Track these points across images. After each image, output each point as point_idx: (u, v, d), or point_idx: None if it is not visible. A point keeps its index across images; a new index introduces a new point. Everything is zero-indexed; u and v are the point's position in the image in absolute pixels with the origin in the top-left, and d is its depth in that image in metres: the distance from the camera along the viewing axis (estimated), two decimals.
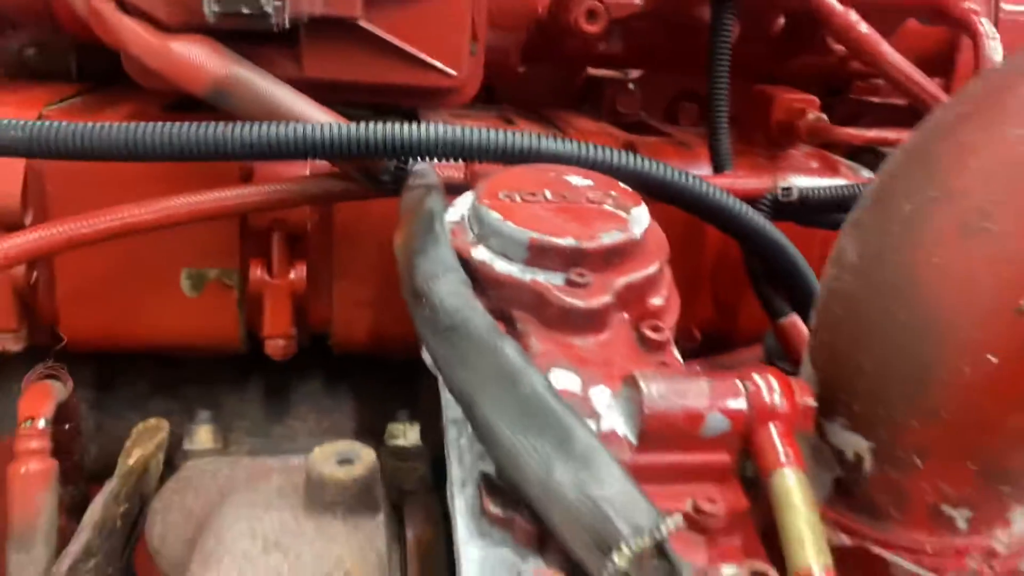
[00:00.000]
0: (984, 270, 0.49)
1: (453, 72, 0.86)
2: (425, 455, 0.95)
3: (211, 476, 0.77)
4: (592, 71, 1.25)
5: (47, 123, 0.73)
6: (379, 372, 1.10)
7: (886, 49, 0.91)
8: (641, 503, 0.47)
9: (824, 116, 0.97)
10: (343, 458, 0.70)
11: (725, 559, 0.51)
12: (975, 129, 0.52)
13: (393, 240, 0.71)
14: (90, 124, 0.74)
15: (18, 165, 0.85)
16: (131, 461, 0.79)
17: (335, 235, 0.92)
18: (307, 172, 0.88)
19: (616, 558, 0.45)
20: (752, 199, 0.85)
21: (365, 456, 0.70)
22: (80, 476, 0.94)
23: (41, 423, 0.76)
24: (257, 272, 0.92)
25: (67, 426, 0.85)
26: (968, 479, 0.53)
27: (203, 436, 0.96)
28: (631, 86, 1.19)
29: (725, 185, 0.82)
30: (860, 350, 0.54)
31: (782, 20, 1.05)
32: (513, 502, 0.52)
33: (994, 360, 0.49)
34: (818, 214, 0.90)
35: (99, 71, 1.13)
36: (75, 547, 0.71)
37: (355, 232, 0.92)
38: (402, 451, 0.98)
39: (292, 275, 0.92)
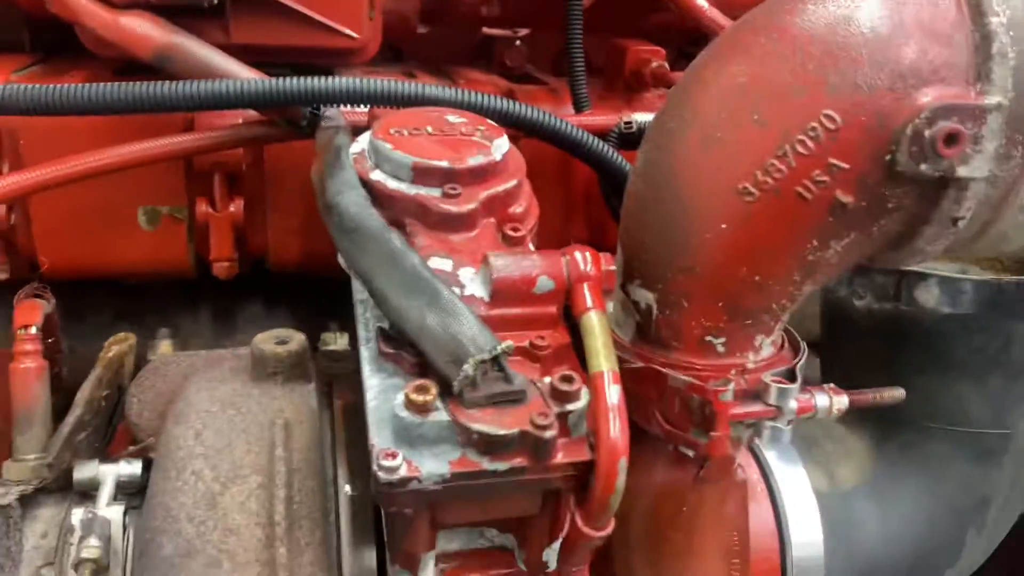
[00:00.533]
0: (716, 166, 0.71)
1: (355, 34, 1.05)
2: (351, 357, 1.15)
3: (176, 365, 0.96)
4: (486, 30, 1.45)
5: (20, 85, 0.90)
6: (311, 293, 1.29)
7: (704, 6, 1.12)
8: (486, 334, 0.68)
9: (666, 64, 1.19)
10: (280, 340, 0.90)
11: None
12: (712, 68, 0.73)
13: (311, 173, 0.90)
14: (57, 85, 0.91)
15: None
16: (111, 354, 0.98)
17: (266, 174, 1.11)
18: (240, 121, 1.06)
19: (467, 368, 0.67)
20: (602, 133, 1.07)
21: (297, 338, 0.90)
22: (61, 386, 1.12)
23: (34, 329, 0.94)
24: (203, 207, 1.10)
25: (50, 340, 1.03)
26: (720, 315, 0.75)
27: (164, 350, 1.15)
28: (518, 43, 1.39)
29: (579, 122, 1.03)
30: (643, 230, 0.76)
31: None
32: (400, 344, 0.72)
33: (724, 227, 0.71)
34: None
35: (49, 43, 1.28)
36: (71, 419, 0.90)
37: (282, 170, 1.11)
38: (334, 354, 1.18)
39: (232, 208, 1.11)
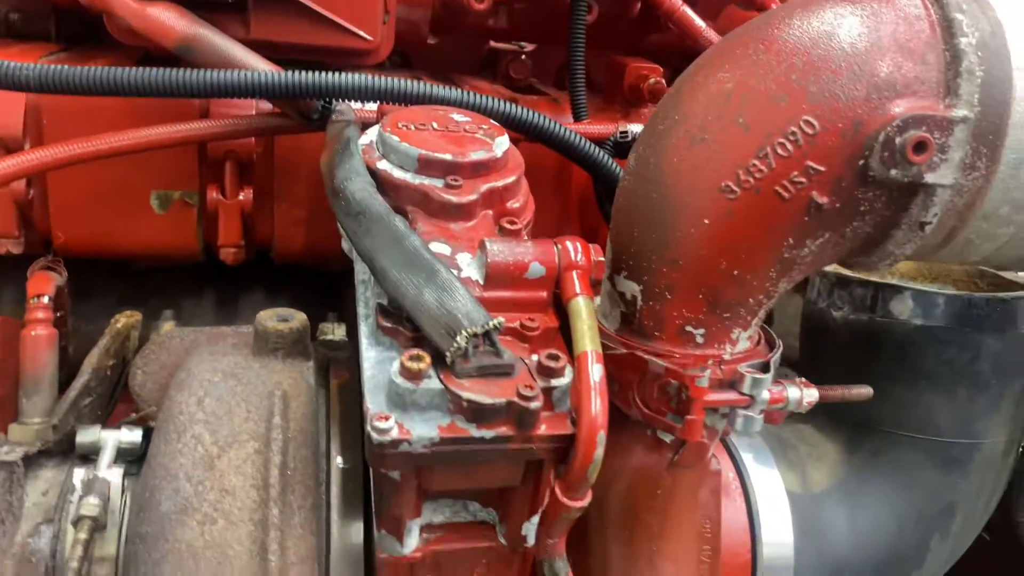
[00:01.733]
0: (701, 165, 0.76)
1: (369, 36, 1.11)
2: (348, 346, 1.20)
3: (179, 339, 1.00)
4: (493, 44, 1.51)
5: (53, 66, 0.95)
6: (312, 284, 1.34)
7: (702, 27, 1.18)
8: (479, 310, 0.73)
9: (663, 80, 1.24)
10: (282, 317, 0.94)
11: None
12: (701, 74, 0.79)
13: (320, 162, 0.95)
14: (87, 67, 0.96)
15: (19, 100, 1.06)
16: (119, 325, 1.02)
17: (276, 165, 1.16)
18: (253, 112, 1.11)
19: (459, 340, 0.71)
20: (599, 141, 1.12)
21: (299, 317, 0.94)
22: (67, 360, 1.16)
23: (46, 299, 0.98)
24: (213, 194, 1.15)
25: (59, 313, 1.07)
26: (701, 307, 0.80)
27: (167, 329, 1.19)
28: (523, 56, 1.45)
29: (577, 129, 1.09)
30: (631, 223, 0.81)
31: (639, 4, 1.32)
32: (397, 319, 0.77)
33: (707, 222, 0.76)
34: None
35: (73, 34, 1.34)
36: (78, 384, 0.94)
37: (292, 162, 1.16)
38: (331, 343, 1.22)
39: (241, 196, 1.15)
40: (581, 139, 1.04)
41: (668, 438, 0.83)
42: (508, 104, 1.01)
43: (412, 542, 0.80)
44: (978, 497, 1.09)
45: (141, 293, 1.30)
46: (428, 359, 0.71)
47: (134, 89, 0.94)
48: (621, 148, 1.12)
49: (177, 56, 1.03)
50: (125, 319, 1.05)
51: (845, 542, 1.06)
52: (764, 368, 0.81)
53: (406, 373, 0.70)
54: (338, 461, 0.87)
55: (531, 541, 0.81)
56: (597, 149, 1.05)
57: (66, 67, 0.95)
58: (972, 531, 1.12)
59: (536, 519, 0.79)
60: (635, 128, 1.15)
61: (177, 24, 1.01)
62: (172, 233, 1.16)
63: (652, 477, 0.85)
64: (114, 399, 1.03)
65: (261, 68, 1.01)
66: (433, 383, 0.71)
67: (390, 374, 0.71)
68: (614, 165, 1.07)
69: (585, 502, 0.73)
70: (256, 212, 1.17)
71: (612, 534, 0.86)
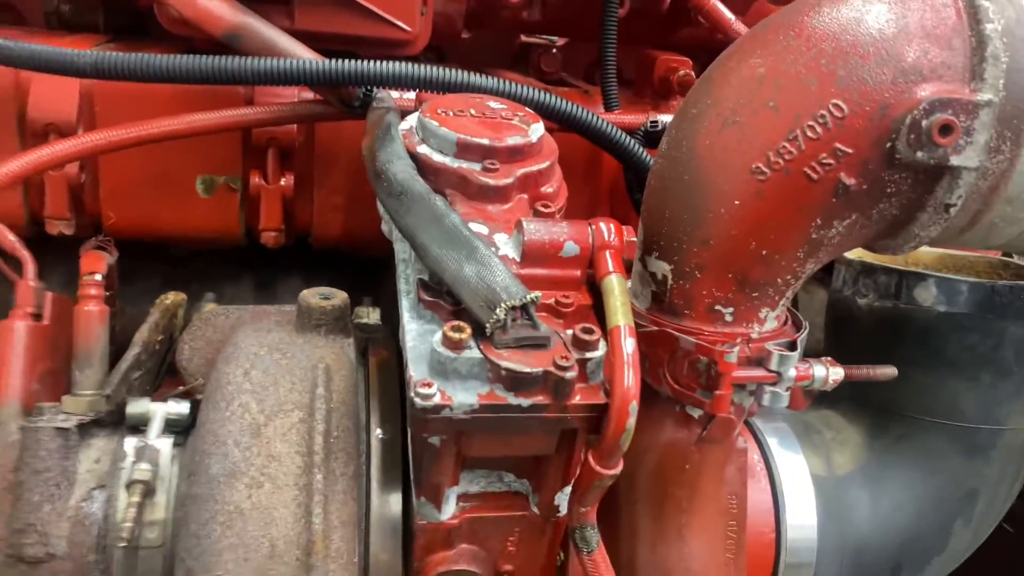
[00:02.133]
0: (732, 147, 0.79)
1: (407, 27, 1.15)
2: (382, 330, 1.23)
3: (224, 316, 1.04)
4: (525, 38, 1.54)
5: (108, 53, 0.99)
6: (347, 270, 1.38)
7: (731, 19, 1.21)
8: (517, 285, 0.76)
9: (692, 73, 1.27)
10: (324, 295, 0.98)
11: None
12: (733, 60, 0.81)
13: (362, 147, 0.99)
14: (140, 54, 1.00)
15: (74, 87, 1.11)
16: (167, 302, 1.07)
17: (316, 152, 1.20)
18: (296, 99, 1.15)
19: (499, 312, 0.74)
20: (630, 131, 1.15)
21: (340, 295, 0.98)
22: (113, 340, 1.20)
23: (98, 276, 1.02)
24: (256, 179, 1.19)
25: (109, 293, 1.11)
26: (730, 286, 0.83)
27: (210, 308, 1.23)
28: (554, 51, 1.48)
29: (609, 119, 1.12)
30: (663, 205, 0.84)
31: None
32: (438, 293, 0.80)
33: (738, 203, 0.79)
34: None
35: (121, 25, 1.39)
36: (129, 355, 0.98)
37: (331, 150, 1.20)
38: (366, 326, 1.26)
39: (283, 182, 1.19)
40: (613, 128, 1.07)
41: (697, 414, 0.86)
42: (543, 92, 1.05)
43: (450, 509, 0.84)
44: (1000, 483, 1.10)
45: (183, 276, 1.34)
46: (469, 330, 0.74)
47: (186, 76, 0.98)
48: (651, 137, 1.15)
49: (225, 45, 1.07)
50: (173, 297, 1.10)
51: (868, 524, 1.08)
52: (791, 346, 0.84)
53: (448, 343, 0.74)
54: (378, 433, 0.90)
55: (563, 511, 0.85)
56: (628, 138, 1.08)
57: (120, 54, 0.99)
58: (994, 517, 1.14)
59: (568, 489, 0.83)
60: (665, 118, 1.18)
61: (225, 13, 1.05)
62: (216, 216, 1.20)
63: (681, 452, 0.88)
64: (161, 373, 1.07)
65: (306, 57, 1.05)
66: (473, 353, 0.74)
67: (432, 344, 0.74)
68: (644, 154, 1.10)
69: (617, 470, 0.76)
70: (296, 198, 1.21)
71: (641, 508, 0.89)
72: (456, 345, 0.74)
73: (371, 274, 1.37)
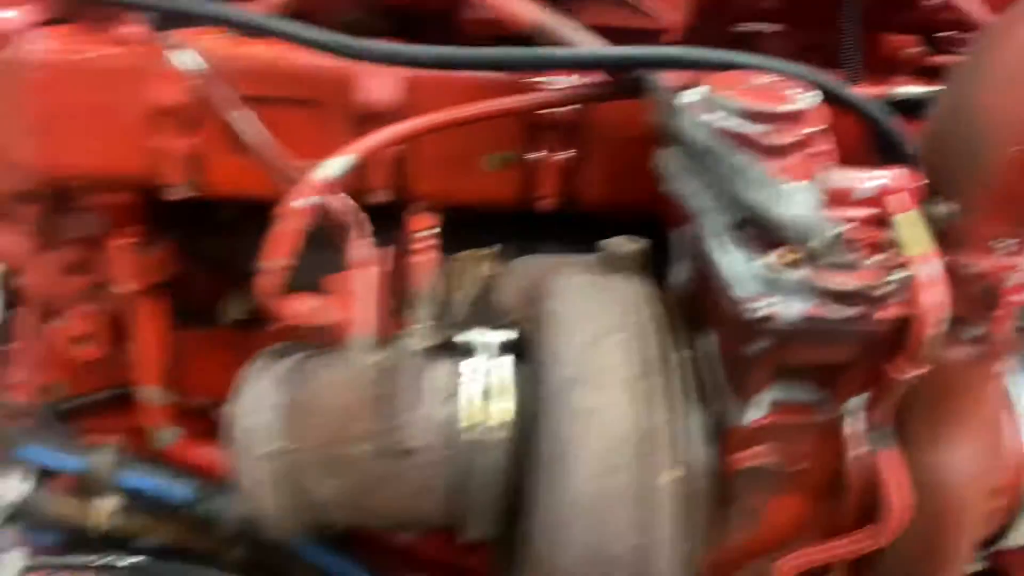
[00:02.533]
0: (1015, 102, 0.92)
1: (670, 19, 1.32)
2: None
3: (532, 264, 1.24)
4: (741, 27, 1.69)
5: (442, 47, 1.21)
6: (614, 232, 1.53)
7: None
8: (825, 219, 0.92)
9: (919, 50, 1.40)
10: (629, 240, 1.16)
11: None
12: (1010, 26, 0.95)
13: (651, 120, 1.17)
14: (447, 47, 1.22)
15: (402, 79, 1.32)
16: (481, 253, 1.29)
17: (589, 129, 1.38)
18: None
19: (817, 241, 0.90)
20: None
21: (641, 240, 1.16)
22: None
23: (427, 232, 1.25)
24: (535, 154, 1.39)
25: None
26: (1008, 223, 0.96)
27: None
28: (774, 36, 1.62)
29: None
30: (946, 152, 0.98)
31: None
32: (751, 230, 0.96)
33: (1015, 149, 0.92)
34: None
35: (401, 30, 1.61)
36: (459, 294, 1.20)
37: (604, 127, 1.38)
38: None
39: (557, 156, 1.39)
40: (865, 99, 1.21)
41: (974, 333, 0.99)
42: (804, 69, 1.20)
43: (758, 412, 1.00)
44: None
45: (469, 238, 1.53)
46: (794, 254, 0.91)
47: (495, 65, 1.19)
48: (898, 106, 1.29)
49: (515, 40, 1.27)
50: (489, 249, 1.31)
51: None
52: None
53: (774, 266, 0.90)
54: (685, 352, 1.07)
55: (853, 418, 1.00)
56: (878, 105, 1.22)
57: (450, 48, 1.21)
58: None
59: (863, 397, 0.98)
60: (902, 90, 1.31)
61: (526, 11, 1.25)
62: (500, 188, 1.40)
63: (955, 369, 1.01)
64: (481, 311, 1.28)
65: (596, 45, 1.24)
66: (796, 273, 0.90)
67: (758, 266, 0.91)
68: (892, 120, 1.24)
69: (918, 372, 0.91)
70: (568, 169, 1.40)
71: (919, 415, 1.03)
72: (782, 267, 0.90)
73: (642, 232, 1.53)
